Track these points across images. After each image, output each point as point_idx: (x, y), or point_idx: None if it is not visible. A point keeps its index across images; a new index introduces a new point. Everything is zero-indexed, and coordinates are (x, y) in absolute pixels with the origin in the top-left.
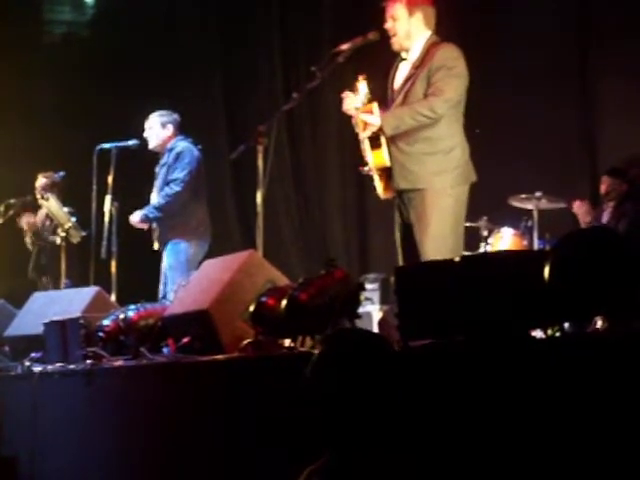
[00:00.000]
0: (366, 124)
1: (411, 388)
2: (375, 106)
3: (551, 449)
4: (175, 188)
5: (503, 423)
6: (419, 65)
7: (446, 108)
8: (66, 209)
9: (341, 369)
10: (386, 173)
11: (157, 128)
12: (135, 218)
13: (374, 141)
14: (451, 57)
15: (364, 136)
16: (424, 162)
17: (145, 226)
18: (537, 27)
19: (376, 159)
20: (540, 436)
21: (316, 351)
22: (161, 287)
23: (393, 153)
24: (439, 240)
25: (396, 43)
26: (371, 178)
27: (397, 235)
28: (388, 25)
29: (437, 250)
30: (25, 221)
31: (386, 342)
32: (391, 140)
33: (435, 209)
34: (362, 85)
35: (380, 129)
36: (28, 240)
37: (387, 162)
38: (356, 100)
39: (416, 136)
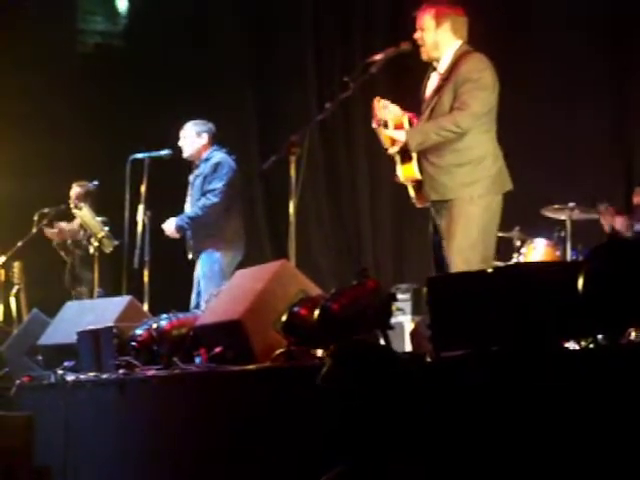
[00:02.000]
0: (394, 140)
1: (442, 398)
2: (406, 120)
3: (586, 461)
4: (213, 199)
5: (536, 434)
6: (446, 77)
7: (472, 122)
8: (100, 218)
9: (347, 381)
10: (419, 184)
11: (192, 137)
12: (169, 227)
13: (404, 154)
14: (476, 69)
15: (393, 151)
16: (453, 174)
17: (178, 235)
18: (570, 36)
19: (406, 172)
20: (575, 448)
21: (326, 363)
22: (193, 296)
23: (423, 165)
24: (466, 250)
25: (424, 53)
26: (406, 187)
27: (431, 246)
28: (417, 35)
29: (464, 260)
30: (52, 232)
31: (395, 354)
32: (421, 153)
33: (461, 219)
34: (384, 105)
35: (406, 144)
36: (62, 250)
37: (417, 175)
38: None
39: (444, 148)
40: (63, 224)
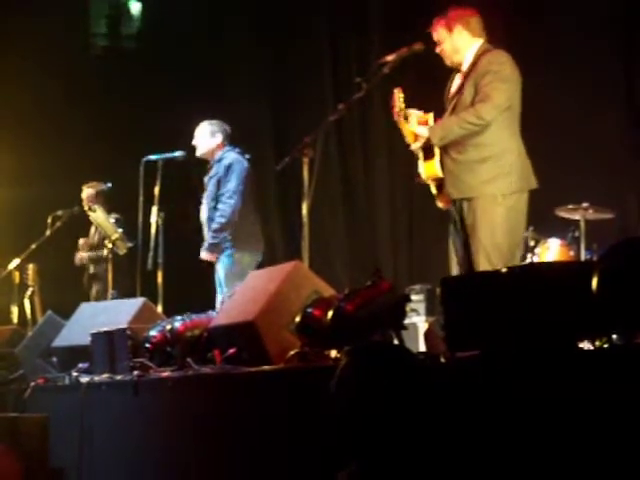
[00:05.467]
0: (416, 135)
1: (457, 398)
2: (431, 117)
3: (602, 461)
4: (228, 201)
5: (551, 434)
6: (467, 74)
7: (494, 114)
8: (113, 218)
9: (363, 382)
10: (441, 183)
11: (206, 136)
12: (204, 255)
13: (427, 151)
14: (497, 62)
15: (415, 147)
16: (475, 171)
17: (215, 257)
18: (585, 37)
19: (428, 170)
20: (591, 447)
21: (340, 364)
22: (219, 296)
23: (445, 162)
24: (491, 250)
25: (447, 60)
26: (422, 187)
27: (451, 246)
28: (437, 50)
29: (489, 260)
30: (80, 257)
31: (411, 355)
32: (443, 149)
33: (485, 218)
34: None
35: (428, 140)
36: (84, 255)
37: (439, 173)
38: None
39: (466, 143)
40: (81, 241)
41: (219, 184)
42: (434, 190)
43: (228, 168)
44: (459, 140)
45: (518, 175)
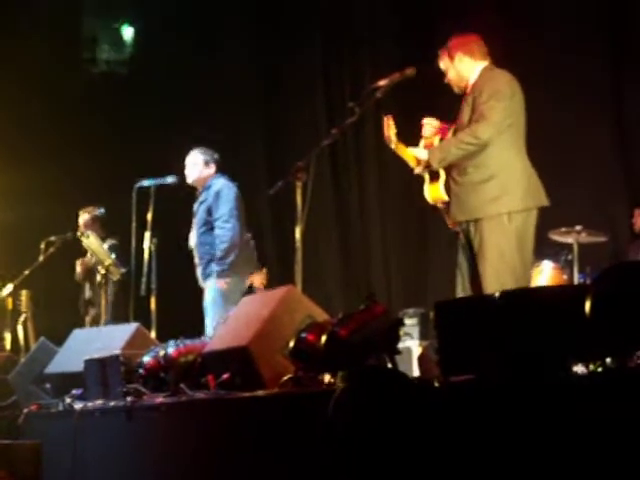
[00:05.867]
0: (419, 160)
1: (451, 422)
2: (437, 140)
3: None
4: (225, 225)
5: (545, 458)
6: (469, 93)
7: (491, 132)
8: (110, 243)
9: (359, 407)
10: (448, 206)
11: (200, 166)
12: (218, 284)
13: (433, 174)
14: (493, 80)
15: (418, 171)
16: (477, 191)
17: (225, 284)
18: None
19: (433, 193)
20: (586, 472)
21: (338, 389)
22: (207, 323)
23: (450, 184)
24: (502, 272)
25: (455, 88)
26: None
27: (458, 271)
28: (446, 80)
29: (499, 282)
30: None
31: (405, 379)
32: (446, 172)
33: (493, 240)
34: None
35: (428, 163)
36: (80, 277)
37: (444, 196)
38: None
39: (466, 164)
40: (79, 261)
41: (209, 211)
42: (444, 213)
43: (217, 194)
44: (459, 162)
45: (523, 193)
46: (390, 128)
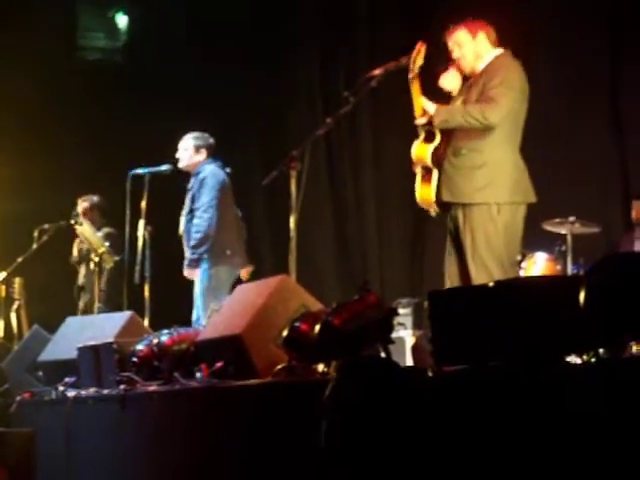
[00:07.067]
0: (424, 111)
1: (444, 413)
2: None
3: (589, 473)
4: (203, 215)
5: (537, 448)
6: (480, 74)
7: (499, 117)
8: (106, 232)
9: (353, 397)
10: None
11: (191, 151)
12: (186, 273)
13: (428, 135)
14: (506, 68)
15: (419, 122)
16: (469, 177)
17: (197, 273)
18: (569, 51)
19: (423, 193)
20: (579, 460)
21: (332, 379)
22: (194, 312)
23: (444, 168)
24: (488, 262)
25: (467, 67)
26: (414, 201)
27: (446, 261)
28: (456, 54)
29: (486, 272)
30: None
31: (399, 369)
32: (442, 142)
33: (481, 231)
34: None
35: (431, 118)
36: (76, 259)
37: (432, 197)
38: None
39: (462, 145)
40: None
41: (194, 199)
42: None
43: (201, 182)
44: (458, 141)
45: (513, 186)
46: (419, 55)
